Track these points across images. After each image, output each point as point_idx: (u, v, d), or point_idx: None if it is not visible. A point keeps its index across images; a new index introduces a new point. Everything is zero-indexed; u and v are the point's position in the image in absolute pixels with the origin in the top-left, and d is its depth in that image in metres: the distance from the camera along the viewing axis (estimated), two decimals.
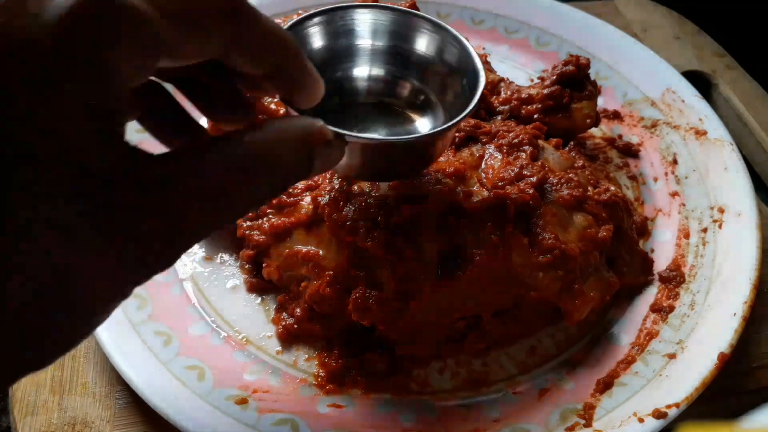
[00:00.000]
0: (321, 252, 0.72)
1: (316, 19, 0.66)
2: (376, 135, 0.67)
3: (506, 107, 0.90)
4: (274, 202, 0.77)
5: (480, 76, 0.65)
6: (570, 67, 0.90)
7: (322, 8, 0.67)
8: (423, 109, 0.71)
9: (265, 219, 0.77)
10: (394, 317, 0.68)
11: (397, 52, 0.70)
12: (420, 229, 0.68)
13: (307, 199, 0.76)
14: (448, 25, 0.69)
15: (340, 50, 0.69)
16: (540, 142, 0.80)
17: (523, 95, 0.91)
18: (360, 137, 0.57)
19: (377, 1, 0.82)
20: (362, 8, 0.68)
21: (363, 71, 0.71)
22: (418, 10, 0.97)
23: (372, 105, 0.71)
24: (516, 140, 0.77)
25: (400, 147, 0.61)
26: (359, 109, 0.70)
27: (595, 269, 0.73)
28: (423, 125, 0.70)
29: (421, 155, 0.65)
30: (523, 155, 0.76)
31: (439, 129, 0.60)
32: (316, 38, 0.67)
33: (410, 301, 0.67)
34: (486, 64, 0.96)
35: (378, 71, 0.71)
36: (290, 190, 0.77)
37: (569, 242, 0.70)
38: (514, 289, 0.70)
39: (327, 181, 0.77)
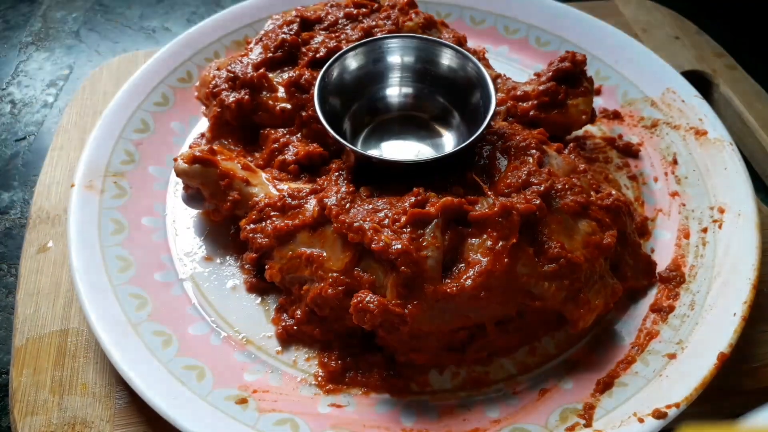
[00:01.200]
0: (325, 253, 0.72)
1: (359, 50, 0.84)
2: (398, 156, 0.84)
3: (503, 108, 0.90)
4: (278, 204, 0.77)
5: (491, 98, 0.78)
6: (566, 64, 0.90)
7: (362, 41, 0.86)
8: (444, 119, 0.88)
9: (268, 222, 0.77)
10: (394, 323, 0.68)
11: (422, 74, 0.87)
12: (426, 235, 0.68)
13: (312, 202, 0.75)
14: (464, 49, 0.85)
15: (377, 73, 0.87)
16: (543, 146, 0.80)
17: (519, 92, 0.91)
18: (385, 160, 0.77)
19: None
20: (394, 38, 0.85)
21: (395, 90, 0.89)
22: (416, 7, 0.98)
23: (403, 117, 0.89)
24: (523, 143, 0.77)
25: (417, 165, 0.76)
26: (393, 122, 0.85)
27: (600, 276, 0.73)
28: (444, 135, 0.87)
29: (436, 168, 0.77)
30: (530, 160, 0.76)
31: (448, 153, 0.75)
32: (355, 64, 0.84)
33: (411, 308, 0.67)
34: (484, 60, 0.97)
35: (407, 89, 0.88)
36: (295, 193, 0.78)
37: (575, 250, 0.70)
38: (518, 298, 0.70)
39: (333, 183, 0.77)
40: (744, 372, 0.76)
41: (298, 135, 0.88)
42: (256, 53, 0.93)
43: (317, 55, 0.90)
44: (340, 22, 0.96)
